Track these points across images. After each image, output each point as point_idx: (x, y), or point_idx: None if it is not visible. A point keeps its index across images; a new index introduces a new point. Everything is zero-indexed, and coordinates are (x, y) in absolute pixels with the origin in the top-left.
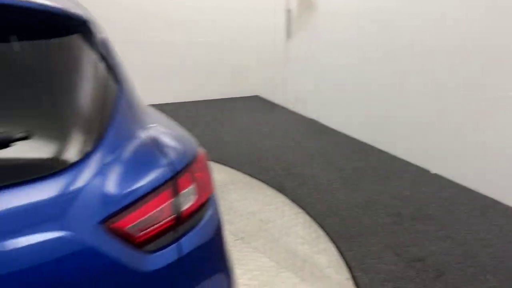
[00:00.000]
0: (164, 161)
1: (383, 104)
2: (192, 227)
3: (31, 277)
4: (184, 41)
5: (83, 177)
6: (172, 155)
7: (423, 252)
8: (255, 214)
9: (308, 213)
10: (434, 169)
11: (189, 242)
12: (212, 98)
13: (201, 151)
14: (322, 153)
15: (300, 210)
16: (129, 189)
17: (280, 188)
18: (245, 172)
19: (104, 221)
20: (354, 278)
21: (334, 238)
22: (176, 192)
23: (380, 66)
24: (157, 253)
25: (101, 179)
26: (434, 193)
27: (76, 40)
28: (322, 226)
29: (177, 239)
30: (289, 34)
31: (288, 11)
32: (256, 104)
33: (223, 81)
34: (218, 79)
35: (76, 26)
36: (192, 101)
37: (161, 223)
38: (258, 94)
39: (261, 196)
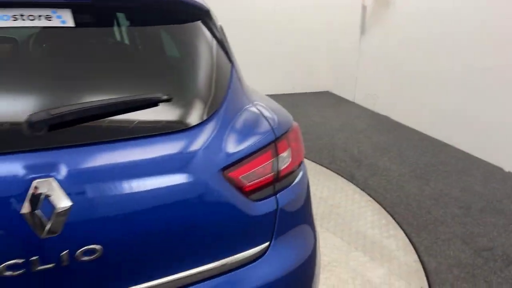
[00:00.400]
0: (267, 128)
1: (456, 101)
2: (287, 185)
3: (165, 215)
4: (260, 38)
5: (207, 134)
6: (273, 124)
7: (491, 243)
8: (326, 199)
9: (378, 201)
10: (508, 167)
11: (284, 196)
12: (285, 93)
13: (295, 123)
14: (393, 147)
15: (370, 199)
16: (240, 147)
17: (351, 177)
18: (317, 162)
19: (223, 169)
20: (422, 262)
21: (403, 225)
22: (276, 154)
23: (453, 63)
24: (259, 202)
25: (220, 136)
26: (506, 190)
27: (200, 25)
28: (391, 214)
29: (275, 193)
30: (363, 30)
31: (364, 8)
32: (327, 99)
33: (296, 76)
34: (291, 74)
35: (200, 14)
36: (267, 95)
37: (264, 177)
38: (329, 89)
39: (332, 184)
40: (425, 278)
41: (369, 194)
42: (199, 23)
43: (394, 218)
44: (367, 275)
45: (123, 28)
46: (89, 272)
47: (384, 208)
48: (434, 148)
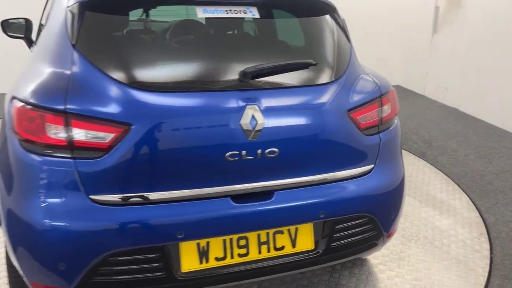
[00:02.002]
0: (376, 87)
1: None
2: (386, 128)
3: (314, 135)
4: None
5: (339, 87)
6: (379, 85)
7: None
8: None
9: (446, 174)
10: None
11: (384, 135)
12: None
13: (392, 87)
14: (460, 134)
15: (438, 171)
16: (359, 97)
17: (422, 155)
18: None
19: (348, 110)
20: (482, 217)
21: (467, 192)
22: (380, 105)
23: None
24: (369, 137)
25: (346, 90)
26: None
27: (330, 17)
28: (457, 183)
29: (378, 132)
30: (435, 29)
31: (437, 9)
32: (398, 92)
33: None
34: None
35: (329, 9)
36: None
37: (372, 120)
38: (399, 84)
39: (405, 159)
40: (484, 228)
41: (438, 168)
42: (329, 16)
43: (459, 186)
44: (435, 223)
45: (277, 19)
46: (270, 163)
47: (451, 179)
48: (499, 136)
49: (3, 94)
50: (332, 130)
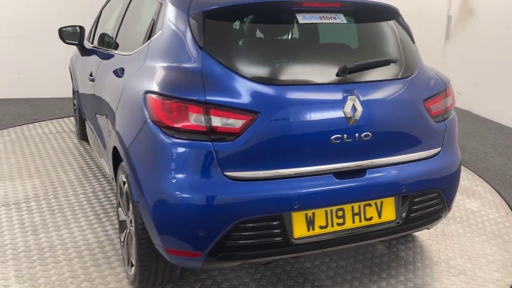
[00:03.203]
0: (441, 82)
1: None
2: (448, 117)
3: (397, 121)
4: None
5: (415, 81)
6: (443, 80)
7: None
8: None
9: (469, 168)
10: None
11: (448, 122)
12: None
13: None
14: (477, 133)
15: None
16: (430, 89)
17: None
18: None
19: (423, 100)
20: (504, 199)
21: (490, 183)
22: (445, 96)
23: None
24: (437, 123)
25: (420, 83)
26: None
27: (398, 22)
28: (479, 175)
29: (443, 120)
30: (447, 36)
31: (449, 17)
32: None
33: None
34: None
35: (395, 14)
36: None
37: (439, 109)
38: None
39: None
40: (509, 209)
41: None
42: (397, 20)
43: (481, 177)
44: (466, 206)
45: (358, 24)
46: (364, 145)
47: (475, 172)
48: None
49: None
50: (413, 117)
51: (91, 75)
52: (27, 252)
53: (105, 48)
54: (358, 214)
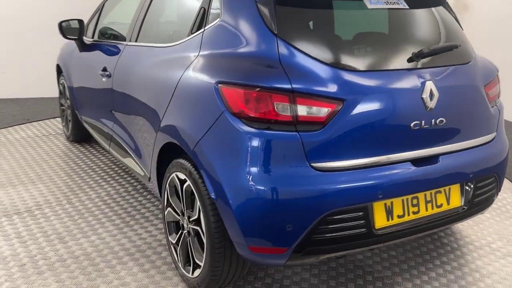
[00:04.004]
0: (494, 68)
1: None
2: (498, 104)
3: (462, 112)
4: None
5: (476, 66)
6: (494, 65)
7: None
8: None
9: None
10: None
11: (500, 108)
12: None
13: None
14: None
15: None
16: (488, 76)
17: None
18: None
19: (484, 86)
20: None
21: None
22: (498, 82)
23: None
24: (493, 108)
25: (479, 69)
26: None
27: (445, 7)
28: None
29: (496, 105)
30: None
31: None
32: None
33: None
34: None
35: (445, 1)
36: None
37: (494, 95)
38: None
39: None
40: None
41: None
42: (443, 5)
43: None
44: None
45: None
46: (438, 131)
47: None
48: None
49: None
50: (478, 102)
51: (104, 70)
52: (62, 262)
53: (123, 42)
54: (430, 201)
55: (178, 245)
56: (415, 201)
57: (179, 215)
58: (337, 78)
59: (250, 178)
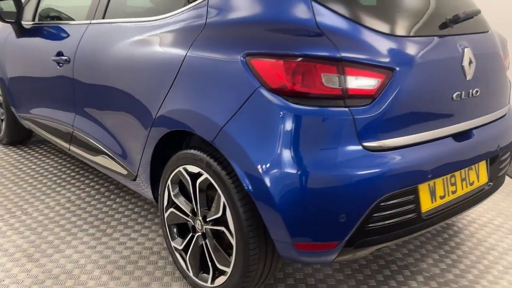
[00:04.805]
0: (504, 40)
1: None
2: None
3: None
4: None
5: (495, 35)
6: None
7: None
8: None
9: None
10: None
11: (508, 80)
12: None
13: None
14: None
15: None
16: (502, 44)
17: None
18: None
19: (502, 55)
20: None
21: None
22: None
23: None
24: (507, 80)
25: (496, 37)
26: None
27: None
28: None
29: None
30: None
31: None
32: None
33: None
34: None
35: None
36: None
37: (507, 65)
38: None
39: None
40: None
41: None
42: None
43: None
44: None
45: None
46: (475, 102)
47: None
48: None
49: None
50: (502, 71)
51: (60, 55)
52: (40, 284)
53: (85, 21)
54: (465, 179)
55: (187, 251)
56: (453, 180)
57: (187, 216)
58: (385, 45)
59: (297, 164)
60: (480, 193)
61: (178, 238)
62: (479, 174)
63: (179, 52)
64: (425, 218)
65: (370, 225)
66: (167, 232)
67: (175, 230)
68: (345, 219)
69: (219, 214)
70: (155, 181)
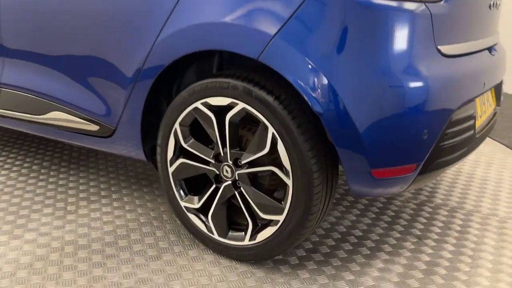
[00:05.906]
0: None
1: None
2: None
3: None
4: None
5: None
6: None
7: None
8: None
9: None
10: None
11: None
12: None
13: None
14: None
15: None
16: None
17: None
18: None
19: None
20: None
21: None
22: None
23: None
24: None
25: None
26: None
27: None
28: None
29: None
30: None
31: None
32: None
33: None
34: None
35: None
36: None
37: None
38: None
39: None
40: None
41: None
42: None
43: None
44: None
45: None
46: (494, 15)
47: None
48: None
49: None
50: None
51: None
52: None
53: None
54: (488, 100)
55: (206, 210)
56: (483, 99)
57: (208, 164)
58: None
59: (378, 74)
60: (493, 121)
61: (190, 195)
62: (493, 97)
63: None
64: (477, 137)
65: (444, 143)
66: (173, 191)
67: (184, 187)
68: (427, 135)
69: (264, 151)
70: (145, 133)
